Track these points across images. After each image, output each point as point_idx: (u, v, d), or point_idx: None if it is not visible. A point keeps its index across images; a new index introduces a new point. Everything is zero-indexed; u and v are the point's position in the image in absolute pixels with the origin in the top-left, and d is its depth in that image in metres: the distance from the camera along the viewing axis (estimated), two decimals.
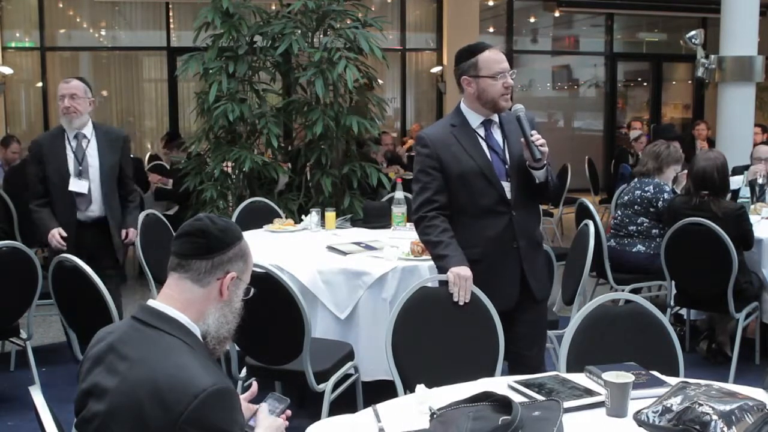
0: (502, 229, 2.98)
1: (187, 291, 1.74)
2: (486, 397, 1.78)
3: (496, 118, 3.02)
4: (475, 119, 3.01)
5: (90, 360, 1.74)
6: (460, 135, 2.99)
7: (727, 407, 1.75)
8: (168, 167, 7.82)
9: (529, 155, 2.89)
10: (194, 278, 1.74)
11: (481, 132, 3.01)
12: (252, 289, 1.85)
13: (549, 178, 2.99)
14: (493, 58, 2.94)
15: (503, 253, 2.99)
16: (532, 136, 2.87)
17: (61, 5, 11.42)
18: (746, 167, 5.80)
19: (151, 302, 1.75)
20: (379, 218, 4.71)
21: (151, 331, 1.69)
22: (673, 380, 2.14)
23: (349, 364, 3.43)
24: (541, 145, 2.88)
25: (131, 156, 8.30)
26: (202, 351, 1.72)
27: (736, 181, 5.16)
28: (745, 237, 4.39)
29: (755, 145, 6.46)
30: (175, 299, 1.73)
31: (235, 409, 1.66)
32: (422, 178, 2.99)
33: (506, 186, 2.97)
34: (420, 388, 2.09)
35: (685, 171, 4.80)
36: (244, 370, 3.39)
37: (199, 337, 1.75)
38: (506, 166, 2.97)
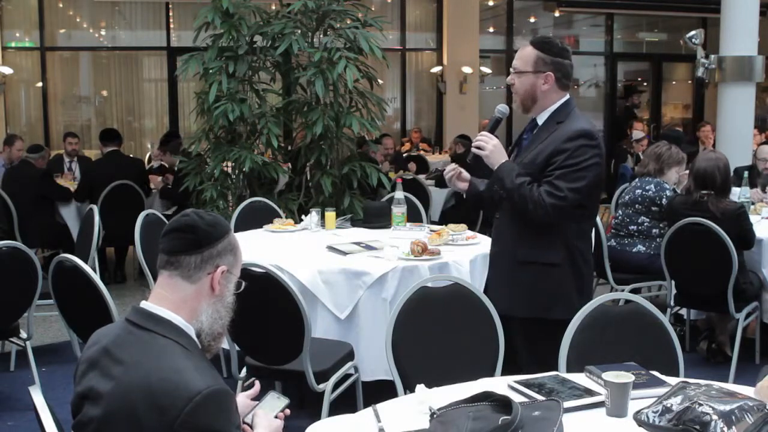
0: (491, 228, 3.10)
1: (178, 289, 1.73)
2: (486, 397, 1.78)
3: (540, 120, 2.94)
4: (532, 118, 2.99)
5: (85, 363, 1.73)
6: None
7: (727, 407, 1.75)
8: (167, 166, 7.82)
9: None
10: (184, 275, 1.73)
11: (526, 131, 3.00)
12: (243, 283, 1.84)
13: (498, 186, 2.85)
14: None
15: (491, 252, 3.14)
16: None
17: (61, 5, 11.41)
18: (747, 168, 5.80)
19: (143, 304, 1.74)
20: (379, 218, 4.71)
21: (145, 334, 1.68)
22: (673, 380, 2.14)
23: (349, 364, 3.42)
24: (476, 147, 2.87)
25: (131, 156, 8.35)
26: (196, 351, 1.72)
27: (734, 194, 5.09)
28: (745, 237, 4.39)
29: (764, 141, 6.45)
30: (167, 299, 1.73)
31: (231, 410, 1.66)
32: None
33: None
34: (420, 388, 2.09)
35: (687, 171, 4.80)
36: (244, 370, 3.39)
37: (193, 336, 1.74)
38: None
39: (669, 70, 14.65)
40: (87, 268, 3.23)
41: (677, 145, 5.21)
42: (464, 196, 3.18)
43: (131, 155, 8.96)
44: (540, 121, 2.93)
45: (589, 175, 2.81)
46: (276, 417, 1.92)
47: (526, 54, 2.88)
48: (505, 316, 2.87)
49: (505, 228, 2.99)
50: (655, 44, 14.69)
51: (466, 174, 3.13)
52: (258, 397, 1.99)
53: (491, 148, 2.86)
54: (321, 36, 5.83)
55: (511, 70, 2.92)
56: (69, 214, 6.90)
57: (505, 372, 2.64)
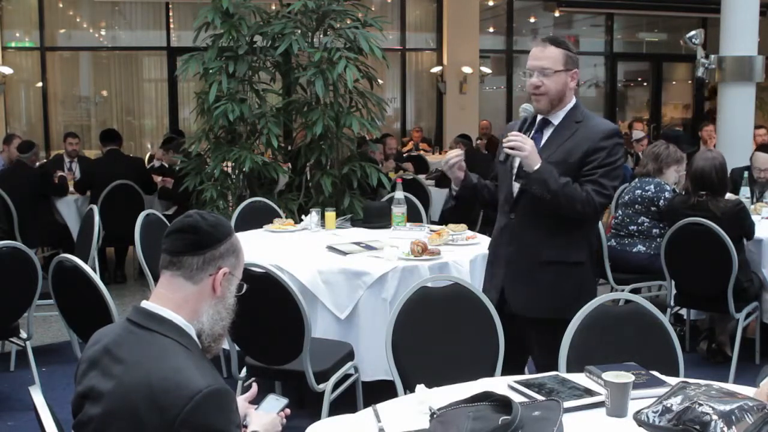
0: (501, 228, 3.01)
1: (179, 289, 1.74)
2: (486, 397, 1.78)
3: (555, 120, 2.90)
4: (541, 116, 2.95)
5: (86, 362, 1.74)
6: (523, 129, 2.95)
7: (727, 407, 1.75)
8: (167, 166, 7.83)
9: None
10: (186, 275, 1.74)
11: (533, 130, 2.94)
12: (245, 285, 1.84)
13: (540, 189, 2.78)
14: (530, 54, 2.89)
15: (496, 252, 3.04)
16: (506, 136, 2.82)
17: (61, 5, 11.42)
18: (745, 168, 5.80)
19: (144, 303, 1.74)
20: (379, 218, 4.71)
21: (146, 334, 1.68)
22: (673, 380, 2.14)
23: (349, 364, 3.42)
24: (510, 147, 2.78)
25: (131, 155, 8.36)
26: (197, 351, 1.72)
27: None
28: (746, 232, 4.41)
29: (760, 145, 6.43)
30: (168, 299, 1.73)
31: (231, 409, 1.66)
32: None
33: (516, 186, 2.91)
34: (420, 388, 2.09)
35: (685, 171, 4.81)
36: (244, 370, 3.39)
37: (194, 336, 1.74)
38: (524, 168, 2.86)
39: (669, 70, 14.67)
40: (87, 268, 3.23)
41: (677, 145, 5.20)
42: (453, 192, 3.11)
43: (131, 155, 8.96)
44: (555, 120, 2.90)
45: (621, 174, 2.91)
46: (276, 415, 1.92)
47: (552, 53, 2.84)
48: (523, 317, 2.86)
49: (524, 228, 2.91)
50: (655, 44, 14.71)
51: (463, 164, 3.10)
52: (257, 400, 1.99)
53: (530, 149, 2.78)
54: (321, 36, 5.83)
55: (537, 72, 2.84)
56: (69, 214, 6.90)
57: (509, 372, 2.64)
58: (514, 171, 2.91)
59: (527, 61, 2.90)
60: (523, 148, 2.77)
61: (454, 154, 3.04)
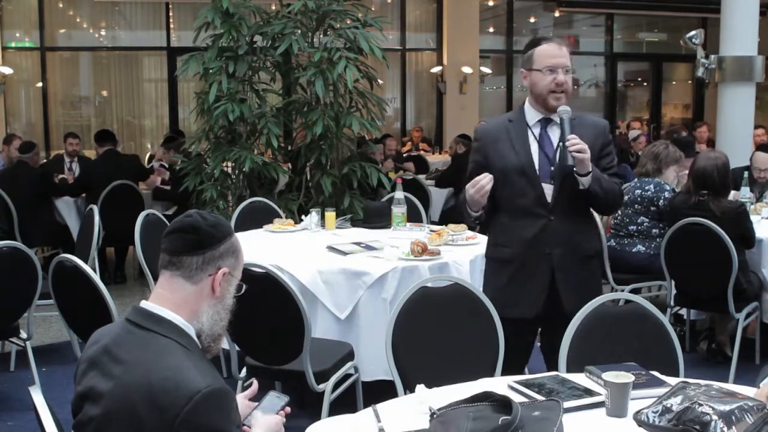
0: (536, 233, 2.89)
1: (179, 289, 1.73)
2: (486, 397, 1.78)
3: (557, 117, 2.87)
4: (533, 116, 2.91)
5: (85, 362, 1.73)
6: (512, 131, 2.91)
7: (727, 407, 1.75)
8: (167, 166, 7.83)
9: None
10: (186, 275, 1.73)
11: (536, 130, 2.90)
12: (244, 286, 1.84)
13: (598, 187, 2.80)
14: (546, 51, 2.84)
15: (534, 258, 2.90)
16: (568, 140, 2.74)
17: (61, 5, 11.41)
18: (745, 168, 5.80)
19: (143, 304, 1.74)
20: (379, 218, 4.71)
21: (145, 334, 1.68)
22: (673, 380, 2.14)
23: (349, 364, 3.42)
24: (577, 151, 2.72)
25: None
26: (196, 351, 1.72)
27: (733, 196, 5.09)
28: (745, 236, 4.39)
29: (760, 145, 6.44)
30: (167, 299, 1.73)
31: (231, 409, 1.66)
32: (469, 169, 2.99)
33: (547, 188, 2.87)
34: (420, 388, 2.09)
35: (686, 171, 4.80)
36: (244, 370, 3.39)
37: (194, 336, 1.74)
38: (552, 168, 2.84)
39: (669, 70, 14.67)
40: (87, 268, 3.23)
41: (686, 152, 5.18)
42: (476, 219, 2.97)
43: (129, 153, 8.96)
44: (557, 118, 2.87)
45: None
46: (277, 414, 1.92)
47: (567, 53, 2.87)
48: (564, 315, 2.74)
49: (566, 227, 2.88)
50: (655, 44, 14.71)
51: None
52: (257, 398, 1.99)
53: (589, 151, 2.76)
54: (321, 36, 5.83)
55: (561, 69, 2.84)
56: (69, 214, 6.90)
57: (512, 373, 2.62)
58: (546, 173, 2.86)
59: (544, 59, 2.84)
60: (586, 151, 2.75)
61: (487, 180, 2.79)
